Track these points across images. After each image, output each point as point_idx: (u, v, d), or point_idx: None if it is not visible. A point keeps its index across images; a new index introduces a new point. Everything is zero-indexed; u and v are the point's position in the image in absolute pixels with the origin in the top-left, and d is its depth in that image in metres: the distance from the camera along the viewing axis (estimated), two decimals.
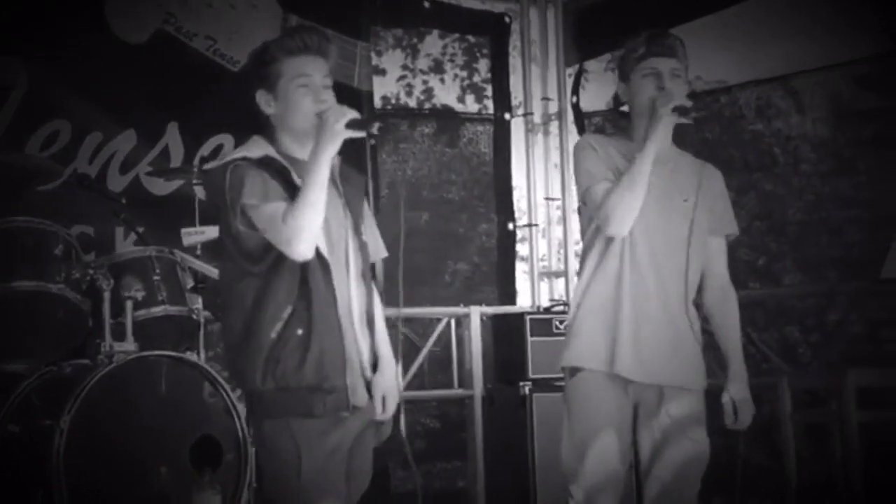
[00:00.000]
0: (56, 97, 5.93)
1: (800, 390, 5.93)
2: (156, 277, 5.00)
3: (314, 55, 3.36)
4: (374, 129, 3.29)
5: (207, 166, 3.44)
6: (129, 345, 4.78)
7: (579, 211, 3.93)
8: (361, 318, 3.38)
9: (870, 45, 7.58)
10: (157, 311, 4.99)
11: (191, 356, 4.89)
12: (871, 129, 7.69)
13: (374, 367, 3.41)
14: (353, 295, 3.34)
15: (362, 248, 3.41)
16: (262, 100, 3.37)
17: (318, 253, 3.25)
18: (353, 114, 3.25)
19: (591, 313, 3.67)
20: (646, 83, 3.68)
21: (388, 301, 6.33)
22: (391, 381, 3.45)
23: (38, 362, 4.82)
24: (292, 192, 3.24)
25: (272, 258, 3.23)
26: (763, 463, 7.96)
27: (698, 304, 3.81)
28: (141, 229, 5.53)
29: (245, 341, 3.25)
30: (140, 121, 6.11)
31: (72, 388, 4.52)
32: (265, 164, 3.28)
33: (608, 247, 3.66)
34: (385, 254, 3.56)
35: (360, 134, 3.27)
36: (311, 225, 3.19)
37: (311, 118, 3.30)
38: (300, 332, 3.22)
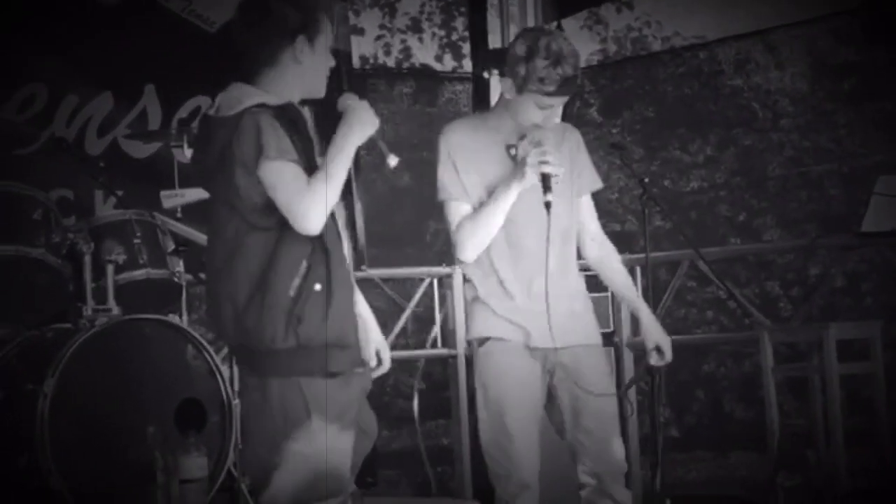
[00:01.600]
0: (31, 61, 5.88)
1: (781, 344, 5.96)
2: (136, 240, 4.98)
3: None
4: (392, 162, 3.27)
5: (211, 114, 3.20)
6: (111, 308, 4.77)
7: None
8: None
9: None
10: (139, 274, 4.97)
11: (173, 319, 4.88)
12: (850, 82, 7.70)
13: None
14: (344, 245, 3.27)
15: (343, 201, 3.30)
16: (300, 48, 3.19)
17: None
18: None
19: (495, 287, 3.80)
20: (533, 110, 3.69)
21: (372, 263, 6.37)
22: (379, 334, 3.42)
23: (20, 327, 4.80)
24: (307, 146, 3.14)
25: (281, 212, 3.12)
26: (745, 416, 8.04)
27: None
28: (120, 193, 5.50)
29: (259, 299, 3.10)
30: (117, 83, 6.06)
31: (54, 352, 4.50)
32: (283, 112, 3.14)
33: (504, 228, 3.75)
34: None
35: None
36: (331, 202, 3.09)
37: (325, 78, 3.24)
38: (318, 287, 3.10)
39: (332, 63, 3.25)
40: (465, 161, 3.78)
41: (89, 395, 4.54)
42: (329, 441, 3.13)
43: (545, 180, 3.63)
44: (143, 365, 4.69)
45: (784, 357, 6.08)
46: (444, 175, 3.80)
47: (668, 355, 3.92)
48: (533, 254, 3.76)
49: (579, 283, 3.90)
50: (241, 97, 3.16)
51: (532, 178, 3.65)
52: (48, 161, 5.67)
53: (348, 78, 6.50)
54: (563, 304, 3.79)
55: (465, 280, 3.94)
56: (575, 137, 3.91)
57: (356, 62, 7.50)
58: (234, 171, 3.10)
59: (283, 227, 3.11)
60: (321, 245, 3.13)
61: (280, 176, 3.08)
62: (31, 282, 4.83)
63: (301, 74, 3.22)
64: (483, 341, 3.83)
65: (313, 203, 3.08)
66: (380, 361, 3.41)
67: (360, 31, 10.01)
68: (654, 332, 3.92)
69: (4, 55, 5.80)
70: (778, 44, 7.78)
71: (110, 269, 4.82)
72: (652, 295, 4.68)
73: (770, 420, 5.64)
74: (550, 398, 3.87)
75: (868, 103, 7.41)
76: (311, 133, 3.18)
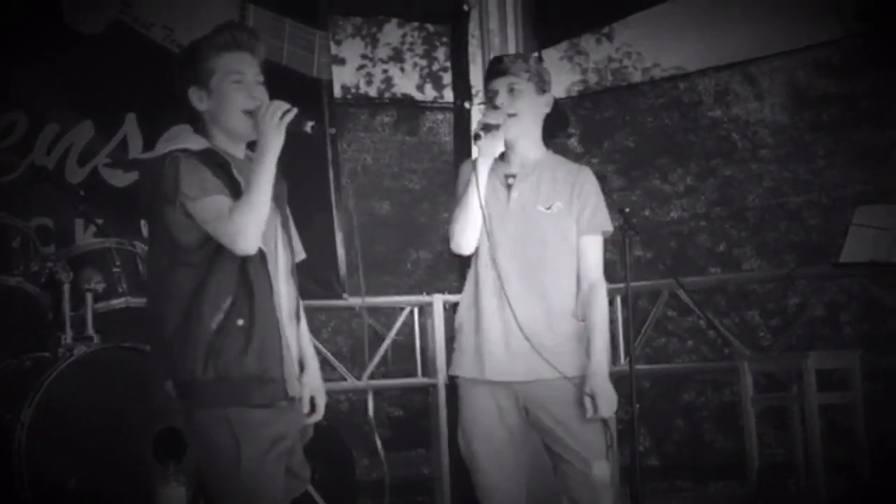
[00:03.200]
0: (12, 89, 5.87)
1: (760, 374, 5.98)
2: (116, 269, 4.97)
3: (245, 52, 3.36)
4: (308, 128, 3.30)
5: (142, 156, 3.40)
6: (90, 337, 4.75)
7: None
8: (290, 313, 3.39)
9: (826, 31, 7.65)
10: (118, 303, 4.96)
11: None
12: (829, 113, 7.75)
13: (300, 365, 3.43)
14: (282, 291, 3.35)
15: (289, 243, 3.43)
16: (195, 96, 3.35)
17: None
18: (286, 107, 3.25)
19: (464, 324, 3.94)
20: (487, 107, 3.94)
21: (351, 290, 6.35)
22: (318, 380, 3.47)
23: None
24: (233, 186, 3.25)
25: (211, 248, 3.23)
26: (725, 445, 8.04)
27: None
28: (100, 221, 5.49)
29: (182, 332, 3.22)
30: (98, 112, 6.05)
31: (32, 381, 4.48)
32: (205, 156, 3.27)
33: (479, 267, 3.91)
34: (304, 255, 3.57)
35: (305, 129, 3.29)
36: (258, 222, 3.20)
37: (245, 116, 3.30)
38: (241, 322, 3.21)
39: (248, 104, 3.31)
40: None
41: (67, 425, 4.52)
42: (260, 471, 3.21)
43: (486, 129, 3.83)
44: (122, 394, 4.67)
45: (764, 387, 6.10)
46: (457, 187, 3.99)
47: (603, 410, 3.83)
48: (496, 287, 3.85)
49: (551, 316, 3.87)
50: (169, 140, 3.33)
51: (482, 145, 3.84)
52: (28, 189, 5.65)
53: (329, 108, 6.51)
54: (535, 338, 3.81)
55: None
56: (590, 178, 3.97)
57: (338, 92, 7.51)
58: (160, 211, 3.24)
59: (210, 263, 3.23)
60: (246, 282, 3.23)
61: (206, 210, 3.21)
62: (8, 310, 4.81)
63: (211, 119, 3.36)
64: (455, 377, 3.97)
65: (239, 225, 3.18)
66: (313, 408, 3.44)
67: (342, 62, 10.04)
68: (597, 387, 3.84)
69: None
70: (757, 75, 7.83)
71: (89, 297, 4.80)
72: (632, 324, 4.68)
73: (750, 449, 5.64)
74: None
75: (847, 134, 7.46)
76: (235, 174, 3.28)
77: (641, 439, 4.34)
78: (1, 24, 5.80)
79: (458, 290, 6.98)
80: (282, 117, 3.23)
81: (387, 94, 9.99)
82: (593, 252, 3.95)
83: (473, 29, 7.38)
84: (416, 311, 6.70)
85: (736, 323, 7.76)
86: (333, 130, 3.42)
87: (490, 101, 3.92)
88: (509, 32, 7.31)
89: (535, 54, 7.10)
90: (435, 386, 6.55)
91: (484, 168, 3.86)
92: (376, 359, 6.56)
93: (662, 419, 8.40)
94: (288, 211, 3.50)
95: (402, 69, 11.05)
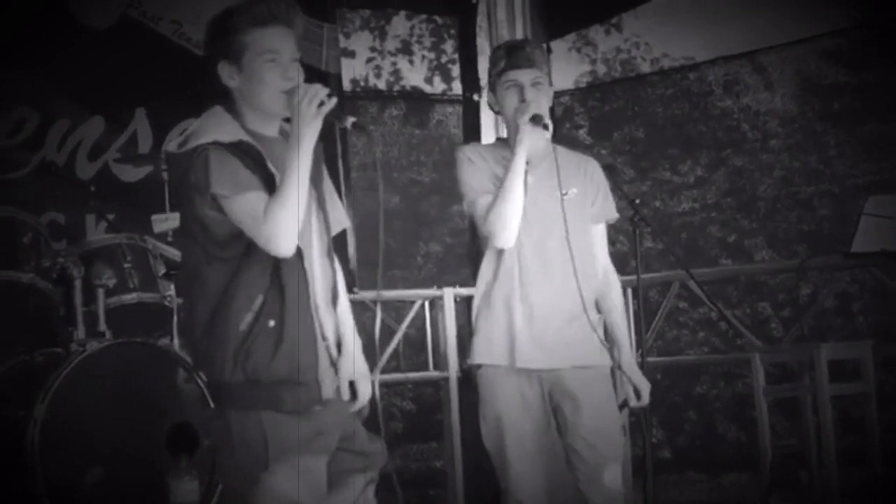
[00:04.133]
0: (22, 85, 5.88)
1: (772, 365, 5.96)
2: (127, 265, 4.97)
3: (282, 26, 3.17)
4: (348, 124, 3.17)
5: (171, 149, 3.18)
6: (102, 332, 4.75)
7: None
8: (326, 297, 3.24)
9: (836, 20, 7.62)
10: (129, 298, 4.96)
11: (164, 343, 4.87)
12: (840, 103, 7.73)
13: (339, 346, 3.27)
14: (317, 275, 3.20)
15: (326, 223, 3.26)
16: (225, 72, 3.16)
17: None
18: (324, 93, 3.09)
19: (489, 313, 3.90)
20: (509, 95, 3.91)
21: (363, 285, 6.35)
22: (358, 364, 3.30)
23: (10, 352, 4.79)
24: (267, 178, 3.10)
25: (243, 244, 3.09)
26: (738, 437, 8.03)
27: None
28: (111, 216, 5.49)
29: (212, 330, 3.09)
30: (107, 107, 6.06)
31: (45, 377, 4.49)
32: (237, 148, 3.10)
33: (499, 255, 3.89)
34: (347, 223, 3.42)
35: (345, 125, 3.16)
36: (293, 222, 3.04)
37: (279, 96, 3.13)
38: (272, 323, 3.07)
39: (283, 85, 3.14)
40: (480, 160, 3.93)
41: (80, 421, 4.53)
42: (292, 477, 3.09)
43: (537, 121, 3.79)
44: (135, 389, 4.68)
45: (776, 378, 6.08)
46: (467, 175, 3.91)
47: (646, 399, 3.92)
48: (519, 273, 3.86)
49: (577, 305, 3.87)
50: (198, 133, 3.14)
51: (527, 129, 3.78)
52: (39, 185, 5.66)
53: (338, 100, 6.50)
54: (558, 325, 3.84)
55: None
56: (597, 168, 4.03)
57: (347, 85, 7.50)
58: (191, 205, 3.09)
59: (242, 260, 3.10)
60: (279, 279, 3.10)
61: (240, 210, 3.06)
62: (21, 306, 4.82)
63: (241, 97, 3.19)
64: (479, 366, 3.91)
65: (274, 228, 3.04)
66: (354, 395, 3.28)
67: (351, 54, 10.03)
68: (634, 376, 3.94)
69: None
70: (767, 65, 7.81)
71: (101, 293, 4.81)
72: (643, 316, 4.68)
73: (762, 441, 5.63)
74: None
75: (858, 124, 7.43)
76: (269, 165, 3.13)
77: (654, 431, 4.34)
78: (10, 22, 5.81)
79: (469, 284, 7.02)
80: (320, 106, 3.07)
81: (396, 87, 9.97)
82: (603, 241, 4.02)
83: (481, 20, 7.37)
84: (426, 304, 6.70)
85: (747, 314, 7.75)
86: (354, 119, 3.30)
87: (519, 92, 3.87)
88: (517, 23, 7.29)
89: (544, 45, 7.09)
90: (447, 379, 6.54)
91: (522, 158, 3.83)
92: (388, 353, 6.56)
93: (675, 411, 8.39)
94: (325, 186, 3.30)
95: (410, 62, 11.03)
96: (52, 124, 5.94)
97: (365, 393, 3.30)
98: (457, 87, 7.61)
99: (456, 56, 7.72)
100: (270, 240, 3.04)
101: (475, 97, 7.23)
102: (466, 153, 3.96)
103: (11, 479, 4.43)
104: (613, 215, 4.05)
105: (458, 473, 6.38)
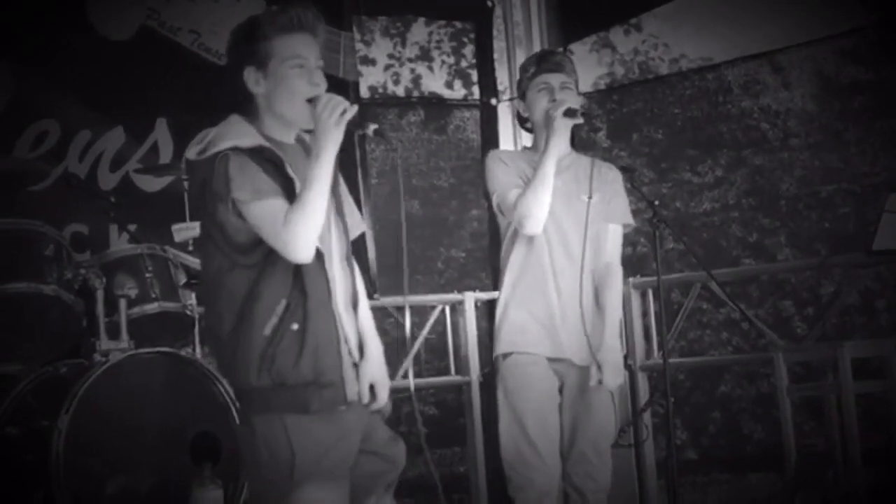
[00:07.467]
0: (43, 98, 5.91)
1: (796, 364, 5.94)
2: (148, 275, 4.99)
3: (307, 34, 3.22)
4: (370, 131, 3.22)
5: (191, 156, 3.21)
6: (124, 343, 4.78)
7: (497, 217, 4.24)
8: (346, 301, 3.27)
9: (853, 19, 7.59)
10: (151, 308, 4.98)
11: (186, 352, 4.89)
12: (859, 101, 7.71)
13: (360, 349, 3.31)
14: (337, 279, 3.23)
15: (344, 228, 3.31)
16: (251, 78, 3.20)
17: None
18: (346, 104, 3.14)
19: (521, 304, 4.03)
20: (540, 97, 4.08)
21: (385, 291, 6.36)
22: (379, 367, 3.33)
23: (34, 364, 4.81)
24: (286, 184, 3.13)
25: (264, 250, 3.12)
26: (762, 437, 8.00)
27: None
28: (132, 227, 5.52)
29: (236, 336, 3.13)
30: (128, 118, 6.08)
31: (68, 388, 4.51)
32: (257, 154, 3.14)
33: (529, 246, 4.04)
34: (364, 227, 3.47)
35: (367, 132, 3.22)
36: (314, 230, 3.09)
37: (303, 104, 3.17)
38: (295, 326, 3.11)
39: (309, 91, 3.19)
40: (511, 161, 4.12)
41: (104, 431, 4.55)
42: (313, 479, 3.12)
43: (571, 114, 3.96)
44: (157, 399, 4.70)
45: (799, 376, 6.06)
46: (499, 172, 4.07)
47: (608, 379, 3.98)
48: (548, 269, 4.01)
49: (592, 300, 4.07)
50: (217, 139, 3.17)
51: (561, 123, 3.94)
52: (61, 197, 5.69)
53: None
54: (586, 321, 3.99)
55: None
56: (613, 172, 4.18)
57: (365, 93, 7.51)
58: (213, 212, 3.13)
59: (265, 265, 3.13)
60: (301, 283, 3.13)
61: (261, 216, 3.10)
62: (44, 318, 4.85)
63: (265, 104, 3.23)
64: (508, 355, 4.02)
65: (294, 234, 3.08)
66: (374, 397, 3.31)
67: (372, 62, 10.04)
68: (603, 349, 4.00)
69: (17, 92, 5.83)
70: (786, 64, 7.81)
71: (123, 303, 4.84)
72: (665, 317, 4.69)
73: (787, 440, 5.61)
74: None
75: (877, 122, 7.41)
76: (289, 171, 3.16)
77: (678, 432, 4.35)
78: (29, 35, 5.84)
79: (490, 288, 7.05)
80: (341, 115, 3.11)
81: (415, 94, 9.97)
82: (614, 240, 4.13)
83: (499, 24, 7.37)
84: (447, 309, 6.70)
85: (770, 313, 7.73)
86: (376, 126, 3.33)
87: (549, 93, 4.04)
88: (534, 27, 7.29)
89: (562, 49, 7.09)
90: (469, 383, 6.54)
91: (556, 150, 3.96)
92: (410, 358, 6.57)
93: (698, 412, 8.37)
94: (342, 190, 3.35)
95: (430, 68, 11.04)
96: (73, 136, 5.96)
97: (382, 397, 3.33)
98: (477, 92, 7.61)
99: (475, 60, 7.71)
100: (288, 245, 3.08)
101: (493, 101, 7.23)
102: (498, 155, 4.21)
103: (36, 489, 4.46)
104: (628, 220, 4.17)
105: (481, 478, 6.38)
